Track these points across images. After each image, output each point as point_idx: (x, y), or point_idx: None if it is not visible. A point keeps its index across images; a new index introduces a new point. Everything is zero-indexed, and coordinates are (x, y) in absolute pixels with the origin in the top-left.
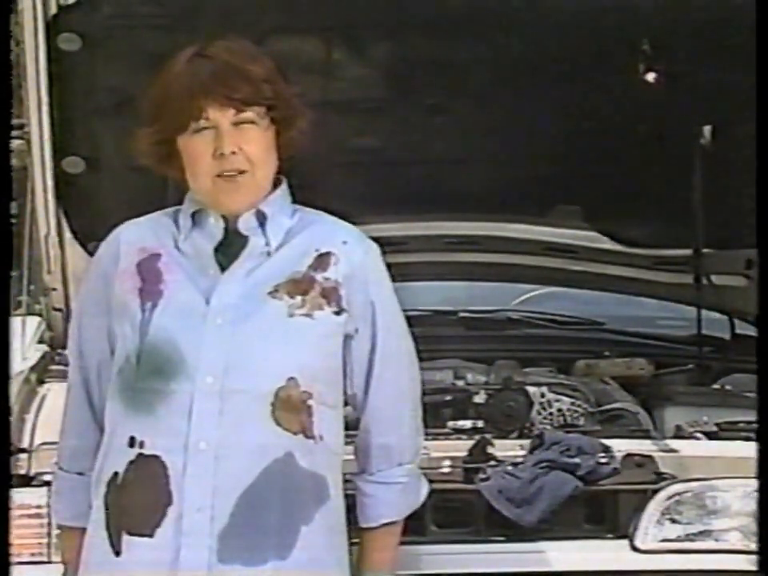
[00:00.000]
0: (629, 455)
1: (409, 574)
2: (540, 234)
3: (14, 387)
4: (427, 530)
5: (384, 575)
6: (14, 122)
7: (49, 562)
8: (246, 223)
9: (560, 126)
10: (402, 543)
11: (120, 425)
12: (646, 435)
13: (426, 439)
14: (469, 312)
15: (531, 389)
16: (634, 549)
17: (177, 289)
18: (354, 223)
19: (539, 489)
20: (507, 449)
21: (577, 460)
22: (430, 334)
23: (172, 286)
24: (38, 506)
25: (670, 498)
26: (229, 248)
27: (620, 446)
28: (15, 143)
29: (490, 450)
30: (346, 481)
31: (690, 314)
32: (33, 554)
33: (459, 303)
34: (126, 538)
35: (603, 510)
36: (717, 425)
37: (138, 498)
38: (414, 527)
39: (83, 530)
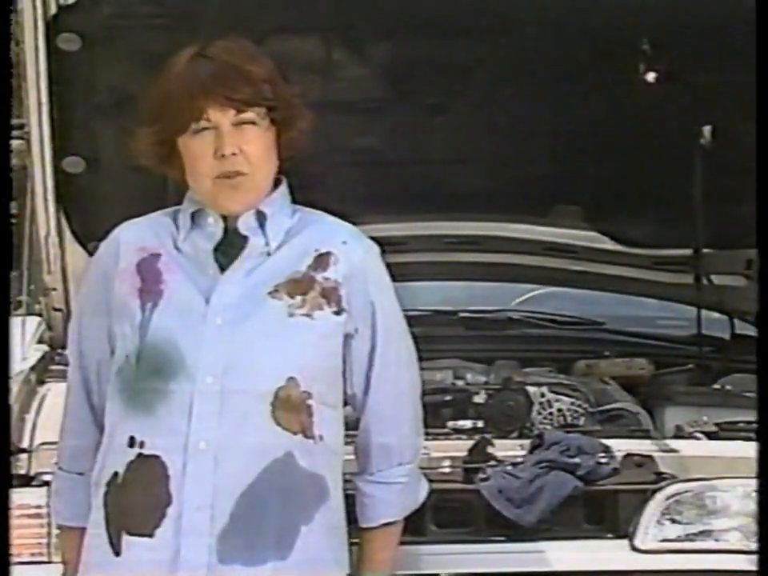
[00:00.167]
0: (629, 455)
1: (409, 574)
2: (540, 233)
3: (14, 387)
4: (427, 530)
5: (384, 575)
6: (14, 121)
7: (49, 562)
8: (246, 223)
9: (560, 125)
10: (402, 543)
11: (120, 425)
12: (645, 435)
13: (426, 439)
14: (469, 312)
15: (531, 389)
16: (634, 549)
17: (176, 289)
18: (354, 223)
19: (539, 489)
20: (507, 449)
21: (577, 460)
22: (430, 334)
23: (172, 285)
24: (38, 506)
25: (669, 497)
26: (228, 248)
27: (620, 446)
28: (15, 143)
29: (490, 450)
30: (346, 481)
31: (690, 314)
32: (33, 554)
33: (459, 303)
34: (125, 538)
35: (603, 510)
36: (717, 425)
37: (138, 498)
38: (414, 527)
39: (83, 530)
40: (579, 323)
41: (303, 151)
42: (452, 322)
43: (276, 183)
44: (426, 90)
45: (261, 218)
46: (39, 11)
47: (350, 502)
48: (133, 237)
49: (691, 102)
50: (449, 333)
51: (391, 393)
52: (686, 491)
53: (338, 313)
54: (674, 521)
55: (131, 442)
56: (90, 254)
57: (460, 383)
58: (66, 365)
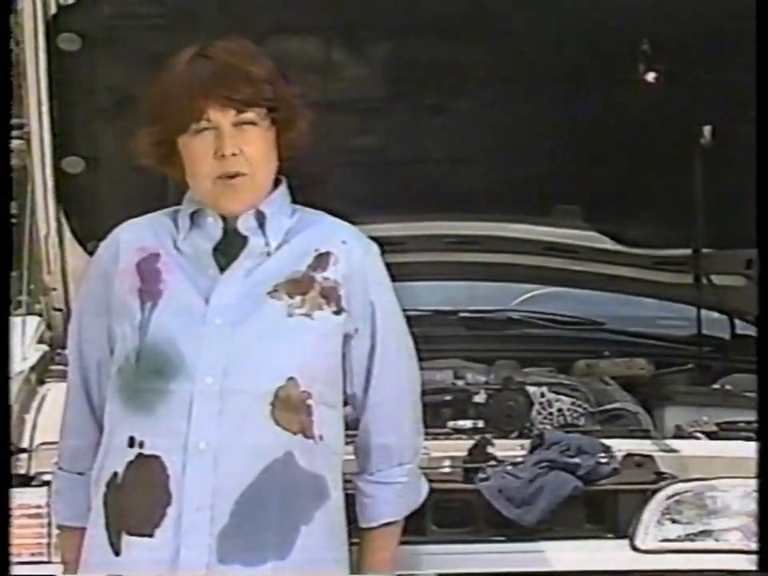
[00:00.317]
0: (629, 455)
1: (409, 574)
2: (540, 233)
3: (14, 387)
4: (427, 529)
5: (384, 575)
6: (14, 121)
7: (49, 562)
8: (246, 223)
9: (560, 126)
10: (402, 543)
11: (119, 425)
12: (645, 435)
13: (426, 439)
14: (469, 312)
15: (531, 389)
16: (634, 549)
17: (176, 289)
18: (353, 223)
19: (539, 489)
20: (507, 449)
21: (577, 460)
22: (430, 334)
23: (171, 285)
24: (38, 506)
25: (669, 497)
26: (228, 248)
27: (620, 446)
28: (15, 143)
29: (489, 449)
30: (346, 481)
31: (690, 314)
32: (33, 554)
33: (459, 303)
34: (125, 537)
35: (603, 510)
36: (717, 425)
37: (138, 498)
38: (414, 527)
39: (83, 530)
40: (579, 323)
41: (303, 151)
42: (452, 321)
43: (276, 183)
44: (426, 90)
45: (260, 218)
46: (39, 11)
47: (350, 501)
48: (132, 237)
49: (691, 102)
50: (449, 333)
51: (391, 393)
52: (686, 491)
53: (337, 313)
54: (674, 521)
55: (131, 442)
56: (90, 254)
57: (460, 383)
58: (66, 365)
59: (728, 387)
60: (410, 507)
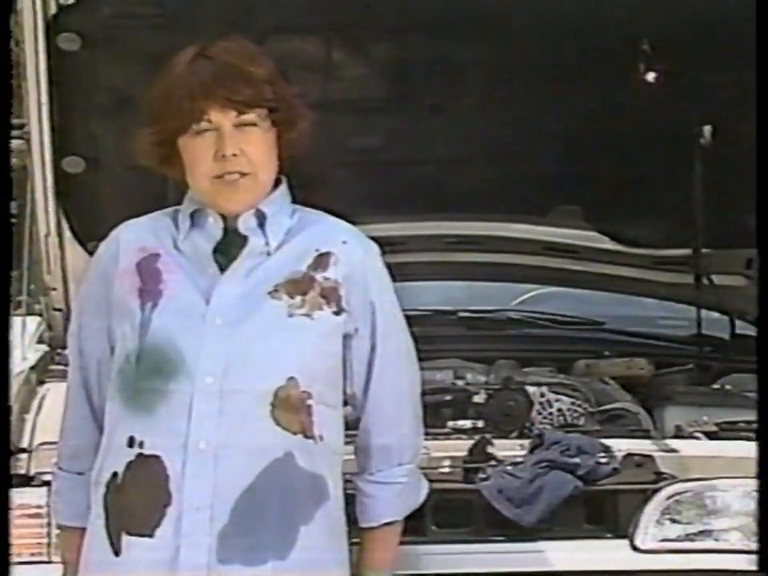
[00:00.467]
0: (629, 455)
1: (409, 574)
2: (540, 233)
3: (14, 387)
4: (427, 529)
5: (384, 575)
6: (14, 121)
7: (49, 562)
8: (246, 223)
9: (560, 125)
10: (402, 543)
11: (119, 425)
12: (646, 435)
13: (426, 439)
14: (469, 312)
15: (531, 389)
16: (634, 549)
17: (176, 289)
18: (353, 223)
19: (539, 489)
20: (507, 449)
21: (577, 460)
22: (430, 334)
23: (171, 285)
24: (38, 506)
25: (669, 497)
26: (228, 248)
27: (620, 446)
28: (15, 143)
29: (489, 449)
30: (346, 481)
31: (690, 314)
32: (33, 554)
33: (459, 303)
34: (125, 538)
35: (603, 510)
36: (717, 425)
37: (138, 498)
38: (414, 527)
39: (83, 530)
40: (579, 323)
41: (304, 151)
42: (452, 321)
43: (276, 183)
44: (426, 90)
45: (261, 217)
46: (39, 11)
47: (350, 501)
48: (133, 237)
49: (691, 102)
50: (449, 333)
51: (391, 393)
52: (686, 491)
53: (337, 313)
54: (673, 521)
55: (131, 442)
56: (90, 254)
57: (460, 383)
58: (66, 365)
59: (728, 387)
60: (410, 507)
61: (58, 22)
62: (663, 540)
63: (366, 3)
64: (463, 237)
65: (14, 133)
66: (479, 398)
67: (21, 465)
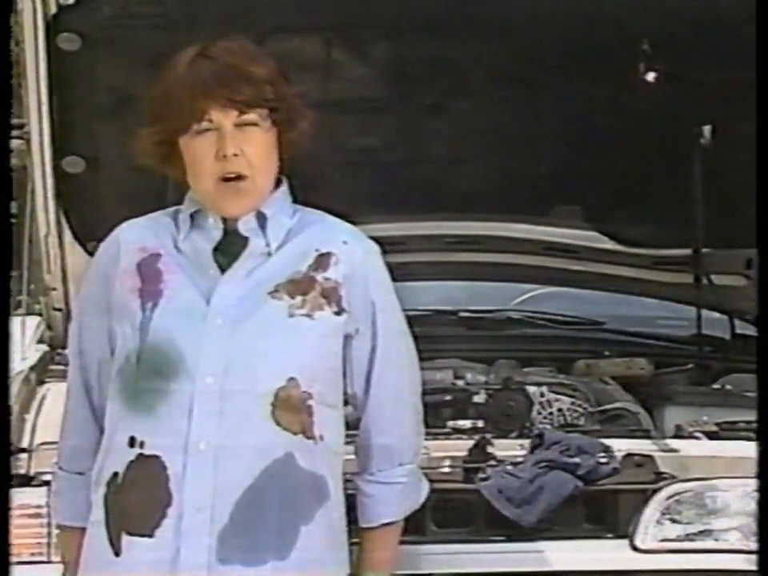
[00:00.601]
0: (629, 455)
1: (409, 574)
2: (540, 233)
3: (14, 387)
4: (427, 529)
5: (384, 575)
6: (14, 121)
7: (49, 562)
8: (246, 224)
9: (560, 125)
10: (402, 543)
11: (120, 425)
12: (646, 435)
13: (426, 439)
14: (469, 312)
15: (531, 388)
16: (634, 548)
17: (177, 289)
18: (354, 223)
19: (539, 488)
20: (507, 449)
21: (577, 460)
22: (430, 334)
23: (172, 285)
24: (38, 506)
25: (669, 497)
26: (229, 248)
27: (620, 446)
28: (15, 143)
29: (489, 449)
30: (346, 481)
31: (690, 314)
32: (33, 554)
33: (459, 303)
34: (125, 538)
35: (603, 510)
36: (717, 424)
37: (138, 498)
38: (414, 527)
39: (83, 530)
40: (579, 323)
41: (304, 151)
42: (452, 321)
43: (277, 183)
44: (426, 90)
45: (261, 218)
46: (39, 11)
47: (350, 501)
48: (133, 237)
49: (691, 102)
50: (449, 332)
51: (392, 393)
52: (686, 491)
53: (338, 313)
54: (673, 520)
55: (131, 442)
56: (90, 254)
57: (460, 383)
58: (66, 365)
59: (728, 387)
60: (411, 507)
61: (58, 21)
62: (663, 540)
63: (366, 3)
64: (463, 237)
65: (14, 133)
66: (479, 398)
67: (21, 465)
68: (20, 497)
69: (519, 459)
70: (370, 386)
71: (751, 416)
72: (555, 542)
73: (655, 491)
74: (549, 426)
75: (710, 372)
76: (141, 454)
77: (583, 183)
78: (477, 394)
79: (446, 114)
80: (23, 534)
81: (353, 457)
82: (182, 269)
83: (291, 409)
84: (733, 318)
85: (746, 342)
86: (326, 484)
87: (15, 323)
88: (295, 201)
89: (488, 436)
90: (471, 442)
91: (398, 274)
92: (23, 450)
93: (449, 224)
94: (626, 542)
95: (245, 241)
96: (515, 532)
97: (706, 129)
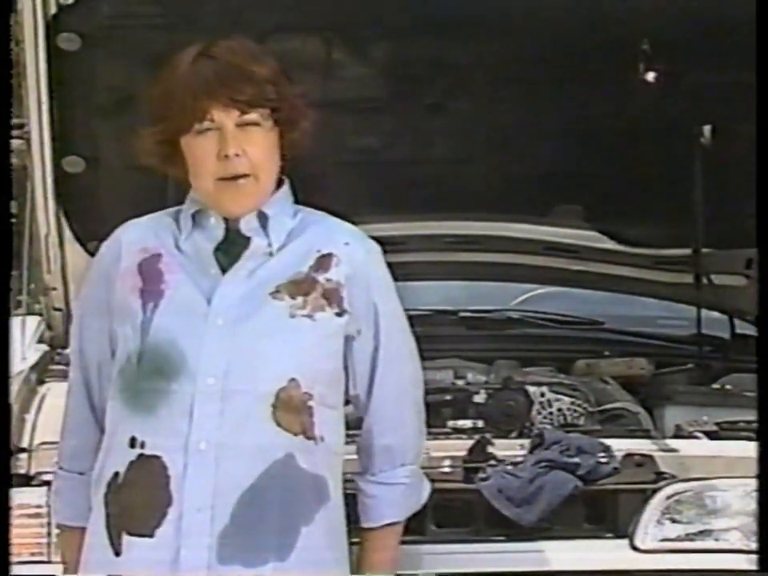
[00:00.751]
0: (629, 455)
1: (409, 574)
2: (540, 233)
3: (14, 387)
4: (427, 529)
5: (385, 575)
6: (14, 121)
7: (49, 562)
8: (248, 224)
9: (560, 125)
10: (402, 543)
11: (121, 425)
12: (646, 435)
13: (426, 439)
14: (469, 312)
15: (531, 388)
16: (634, 548)
17: (178, 289)
18: (353, 223)
19: (539, 488)
20: (507, 448)
21: (577, 459)
22: (430, 334)
23: (173, 286)
24: (38, 506)
25: (669, 497)
26: (230, 248)
27: (620, 446)
28: (15, 143)
29: (489, 449)
30: (346, 480)
31: (689, 314)
32: (33, 554)
33: (459, 303)
34: (125, 538)
35: (603, 510)
36: (717, 424)
37: (139, 498)
38: (414, 527)
39: (83, 530)
40: (579, 323)
41: (306, 151)
42: (452, 321)
43: (278, 184)
44: (426, 90)
45: (263, 219)
46: (39, 11)
47: (350, 501)
48: (134, 237)
49: (691, 102)
50: (449, 332)
51: (394, 393)
52: (686, 491)
53: (339, 314)
54: (674, 520)
55: (132, 442)
56: (90, 254)
57: (460, 383)
58: (66, 365)
59: (728, 387)
60: (412, 508)
61: (58, 21)
62: (663, 540)
63: (365, 3)
64: (463, 237)
65: (14, 133)
66: (479, 398)
67: (21, 465)
68: (20, 497)
69: (519, 459)
70: (373, 387)
71: (751, 416)
72: (555, 541)
73: (655, 491)
74: (549, 426)
75: (710, 372)
76: (141, 454)
77: (583, 183)
78: (477, 393)
79: (446, 113)
80: (23, 534)
81: (352, 457)
82: (183, 269)
83: (292, 409)
84: (733, 318)
85: (746, 342)
86: (327, 485)
87: (15, 323)
88: (296, 201)
89: (488, 436)
90: (471, 442)
91: (398, 273)
92: (23, 450)
93: (449, 224)
94: (625, 541)
95: (246, 241)
96: (515, 532)
97: (706, 129)
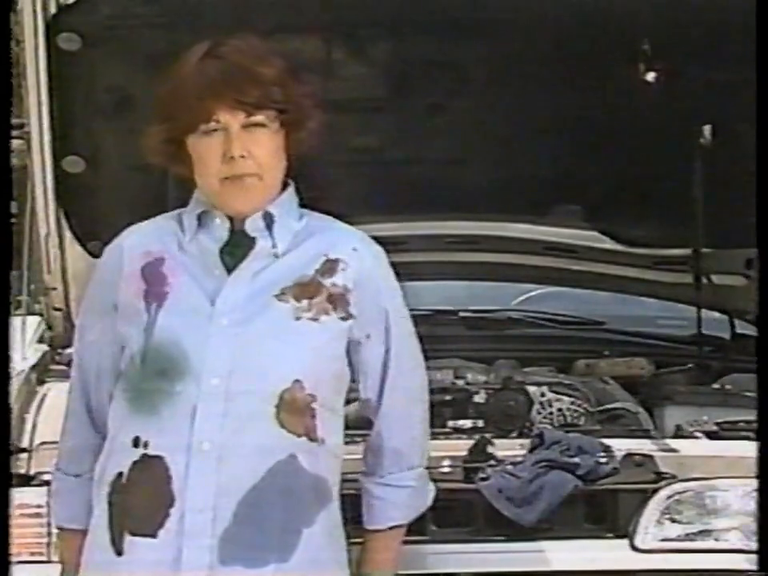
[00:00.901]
0: (629, 455)
1: (409, 574)
2: (540, 233)
3: (14, 387)
4: (427, 529)
5: (386, 574)
6: (14, 121)
7: (49, 562)
8: (253, 224)
9: (560, 125)
10: (403, 543)
11: (125, 425)
12: (645, 435)
13: None
14: (469, 312)
15: (531, 388)
16: (634, 548)
17: (181, 290)
18: (354, 223)
19: (539, 488)
20: (507, 448)
21: (577, 459)
22: (430, 334)
23: (176, 287)
24: (38, 506)
25: (669, 497)
26: (235, 249)
27: (620, 446)
28: (15, 143)
29: (489, 449)
30: (347, 481)
31: (690, 314)
32: (33, 554)
33: (459, 303)
34: (128, 538)
35: (603, 510)
36: (717, 424)
37: (142, 499)
38: (414, 527)
39: (81, 532)
40: (579, 323)
41: (312, 151)
42: (452, 321)
43: (283, 186)
44: (426, 90)
45: (268, 219)
46: (39, 11)
47: (350, 501)
48: (136, 242)
49: (691, 102)
50: (449, 332)
51: (405, 397)
52: (686, 491)
53: (344, 318)
54: (673, 520)
55: (136, 442)
56: (90, 253)
57: (460, 383)
58: (66, 364)
59: (728, 387)
60: (418, 511)
61: (57, 21)
62: (663, 540)
63: (365, 3)
64: (463, 237)
65: (14, 133)
66: (479, 398)
67: (21, 465)
68: (20, 497)
69: (519, 459)
70: (384, 390)
71: (751, 416)
72: (555, 541)
73: (655, 491)
74: (549, 426)
75: (710, 372)
76: (145, 454)
77: (583, 183)
78: (477, 393)
79: (446, 113)
80: (23, 534)
81: (352, 457)
82: (187, 271)
83: (295, 411)
84: (733, 318)
85: (746, 342)
86: (329, 487)
87: (15, 323)
88: (301, 204)
89: (488, 436)
90: (471, 442)
91: (398, 273)
92: (23, 450)
93: (449, 224)
94: (625, 541)
95: (252, 241)
96: (515, 532)
97: (706, 129)
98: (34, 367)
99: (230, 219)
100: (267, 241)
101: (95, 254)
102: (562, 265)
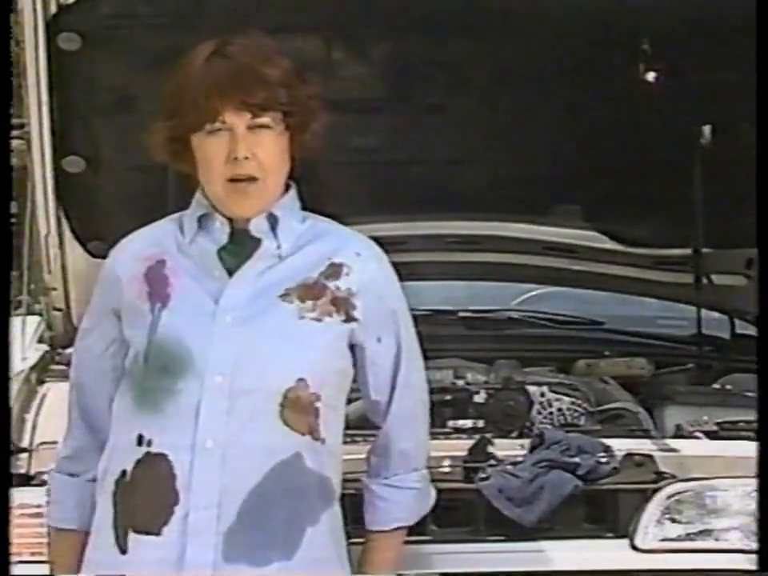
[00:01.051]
0: (629, 455)
1: (409, 574)
2: (540, 233)
3: (14, 387)
4: (427, 529)
5: (386, 574)
6: (14, 121)
7: (49, 562)
8: (258, 226)
9: (560, 125)
10: (403, 542)
11: (129, 423)
12: (646, 435)
13: None
14: (469, 312)
15: (531, 388)
16: (634, 548)
17: (185, 290)
18: (354, 223)
19: (539, 488)
20: (507, 448)
21: (577, 459)
22: (430, 334)
23: (179, 288)
24: (38, 506)
25: (670, 497)
26: (238, 250)
27: (620, 446)
28: (15, 143)
29: (490, 449)
30: (349, 481)
31: (690, 314)
32: (33, 554)
33: (459, 303)
34: (132, 536)
35: (603, 510)
36: (717, 424)
37: (146, 497)
38: (415, 527)
39: (74, 532)
40: (579, 323)
41: (316, 152)
42: (452, 321)
43: (285, 188)
44: (426, 90)
45: (272, 220)
46: (39, 11)
47: (350, 501)
48: (138, 247)
49: (691, 102)
50: (449, 332)
51: (413, 399)
52: (686, 491)
53: (346, 321)
54: (674, 520)
55: (139, 441)
56: (91, 253)
57: (460, 383)
58: (66, 364)
59: (728, 387)
60: (421, 512)
61: (57, 21)
62: (663, 540)
63: (366, 3)
64: (463, 237)
65: (14, 133)
66: (479, 398)
67: (21, 464)
68: (20, 496)
69: (519, 459)
70: (394, 393)
71: (751, 416)
72: (555, 541)
73: (655, 491)
74: (549, 426)
75: (710, 372)
76: (149, 453)
77: (583, 183)
78: (477, 393)
79: (446, 113)
80: (23, 534)
81: (352, 457)
82: (188, 272)
83: (299, 410)
84: (733, 318)
85: (746, 342)
86: (333, 485)
87: (15, 323)
88: (303, 207)
89: (488, 436)
90: (471, 442)
91: (398, 273)
92: (23, 450)
93: (449, 224)
94: (626, 541)
95: (256, 242)
96: (515, 532)
97: (706, 129)
98: (33, 367)
99: (231, 221)
100: (271, 242)
101: (95, 254)
102: (562, 265)
